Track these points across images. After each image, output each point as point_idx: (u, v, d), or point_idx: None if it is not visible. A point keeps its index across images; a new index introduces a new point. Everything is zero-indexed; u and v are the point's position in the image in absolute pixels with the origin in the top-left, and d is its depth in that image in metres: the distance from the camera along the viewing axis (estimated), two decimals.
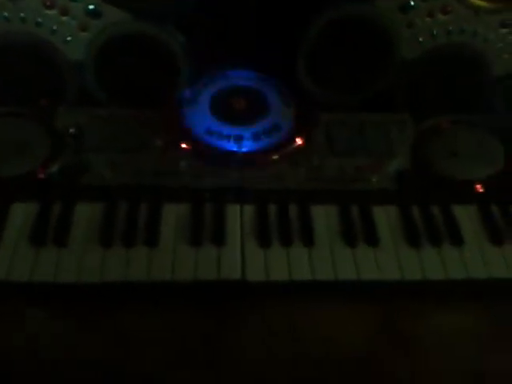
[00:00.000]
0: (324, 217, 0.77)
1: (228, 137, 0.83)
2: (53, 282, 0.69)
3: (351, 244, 0.74)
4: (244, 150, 0.83)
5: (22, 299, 0.70)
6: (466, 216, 0.78)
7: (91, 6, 0.78)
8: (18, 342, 0.67)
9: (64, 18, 0.79)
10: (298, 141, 0.84)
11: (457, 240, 0.75)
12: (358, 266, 0.72)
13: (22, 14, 0.78)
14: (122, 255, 0.71)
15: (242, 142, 0.83)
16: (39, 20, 0.79)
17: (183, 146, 0.82)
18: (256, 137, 0.84)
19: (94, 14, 0.79)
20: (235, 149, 0.82)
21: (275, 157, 0.82)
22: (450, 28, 0.84)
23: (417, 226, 0.76)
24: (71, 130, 0.80)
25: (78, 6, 0.78)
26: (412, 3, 0.81)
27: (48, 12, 0.78)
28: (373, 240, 0.74)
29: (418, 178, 0.81)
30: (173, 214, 0.76)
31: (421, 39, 0.84)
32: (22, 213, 0.74)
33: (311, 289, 0.71)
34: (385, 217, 0.77)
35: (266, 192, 0.79)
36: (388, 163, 0.82)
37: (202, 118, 0.85)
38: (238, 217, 0.76)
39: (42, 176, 0.77)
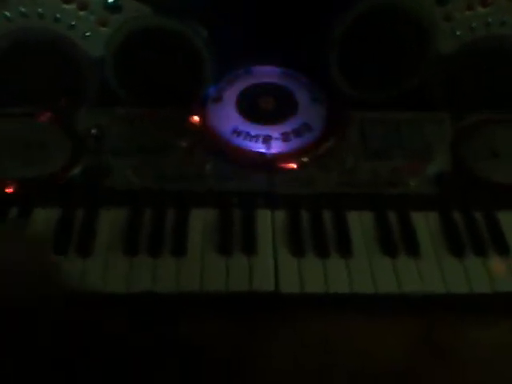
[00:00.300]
0: (359, 224, 0.72)
1: (256, 137, 0.79)
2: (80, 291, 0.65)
3: (391, 254, 0.69)
4: (273, 151, 0.78)
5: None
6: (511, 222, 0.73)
7: (110, 0, 0.74)
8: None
9: (82, 13, 0.75)
10: (330, 141, 0.80)
11: (503, 249, 0.70)
12: (399, 277, 0.67)
13: (39, 10, 0.74)
14: (149, 264, 0.67)
15: (270, 142, 0.79)
16: (57, 15, 0.75)
17: (208, 147, 0.78)
18: (285, 137, 0.79)
19: (114, 8, 0.75)
20: (263, 150, 0.78)
21: (306, 159, 0.78)
22: (490, 20, 0.79)
23: (460, 233, 0.71)
24: (93, 131, 0.76)
25: (97, 0, 0.74)
26: None
27: (66, 7, 0.74)
28: (414, 249, 0.69)
29: (459, 181, 0.76)
30: (200, 221, 0.72)
31: (458, 33, 0.79)
32: (43, 219, 0.71)
33: (348, 301, 0.67)
34: (425, 223, 0.73)
35: (297, 197, 0.74)
36: (426, 165, 0.78)
37: (227, 118, 0.81)
38: (269, 223, 0.72)
39: (62, 180, 0.73)
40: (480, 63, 0.82)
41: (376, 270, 0.68)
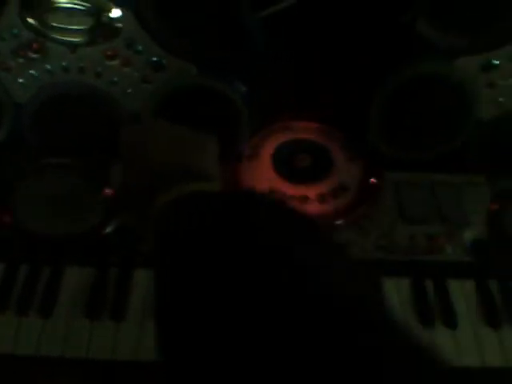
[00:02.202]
0: (396, 291, 0.72)
1: (292, 198, 0.78)
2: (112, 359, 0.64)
3: (427, 325, 0.68)
4: (308, 212, 0.77)
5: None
6: None
7: (154, 58, 0.74)
8: None
9: (125, 70, 0.74)
10: (366, 203, 0.79)
11: None
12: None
13: (81, 64, 0.74)
14: None
15: (306, 203, 0.78)
16: (99, 70, 0.74)
17: None
18: (321, 198, 0.78)
19: (157, 66, 0.74)
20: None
21: (342, 221, 0.77)
22: None
23: (495, 304, 0.71)
24: None
25: (141, 58, 0.73)
26: (497, 62, 0.75)
27: (109, 63, 0.74)
28: (451, 321, 0.69)
29: (496, 248, 0.76)
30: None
31: (501, 99, 0.79)
32: (76, 278, 0.70)
33: None
34: (461, 292, 0.72)
35: None
36: (463, 231, 0.77)
37: (263, 176, 0.80)
38: None
39: (96, 237, 0.73)
40: None
41: None
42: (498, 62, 0.75)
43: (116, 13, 0.70)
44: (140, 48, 0.73)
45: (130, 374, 0.64)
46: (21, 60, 0.73)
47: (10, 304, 0.67)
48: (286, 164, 0.82)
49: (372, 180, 0.81)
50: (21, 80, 0.74)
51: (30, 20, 0.70)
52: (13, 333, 0.65)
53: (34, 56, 0.73)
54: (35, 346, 0.64)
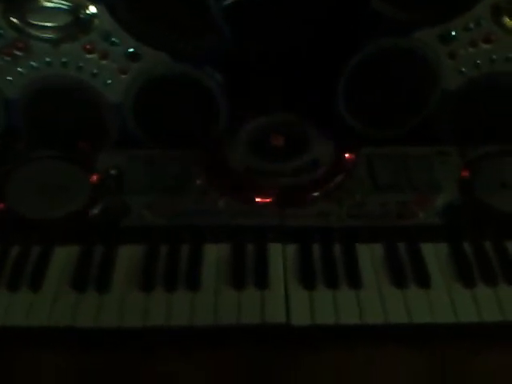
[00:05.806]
0: (370, 256, 0.74)
1: (267, 173, 0.82)
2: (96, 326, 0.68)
3: (401, 285, 0.71)
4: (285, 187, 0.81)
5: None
6: None
7: (131, 49, 0.79)
8: None
9: (104, 62, 0.80)
10: (339, 176, 0.82)
11: None
12: (409, 308, 0.68)
13: (63, 59, 0.80)
14: (164, 299, 0.70)
15: (281, 177, 0.82)
16: (80, 64, 0.80)
17: (223, 184, 0.81)
18: (296, 173, 0.82)
19: (134, 57, 0.80)
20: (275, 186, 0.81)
21: (316, 193, 0.80)
22: (494, 57, 0.81)
23: (469, 264, 0.73)
24: (112, 172, 0.80)
25: (118, 50, 0.79)
26: (453, 33, 0.79)
27: (88, 56, 0.80)
28: (424, 280, 0.71)
29: (467, 212, 0.78)
30: (213, 255, 0.75)
31: (464, 69, 0.82)
32: (64, 256, 0.74)
33: (358, 332, 0.69)
34: (434, 254, 0.74)
35: (308, 230, 0.77)
36: (435, 197, 0.79)
37: (241, 156, 0.84)
38: (280, 257, 0.74)
39: (83, 219, 0.77)
40: (485, 98, 0.84)
41: (387, 302, 0.69)
42: (454, 33, 0.79)
43: (92, 9, 0.76)
44: (116, 40, 0.78)
45: (114, 339, 0.68)
46: (7, 58, 0.79)
47: (1, 280, 0.71)
48: (263, 144, 0.86)
49: (346, 155, 0.84)
50: (9, 77, 0.81)
51: (14, 20, 0.76)
52: (5, 306, 0.69)
53: (19, 54, 0.79)
54: (24, 317, 0.68)
